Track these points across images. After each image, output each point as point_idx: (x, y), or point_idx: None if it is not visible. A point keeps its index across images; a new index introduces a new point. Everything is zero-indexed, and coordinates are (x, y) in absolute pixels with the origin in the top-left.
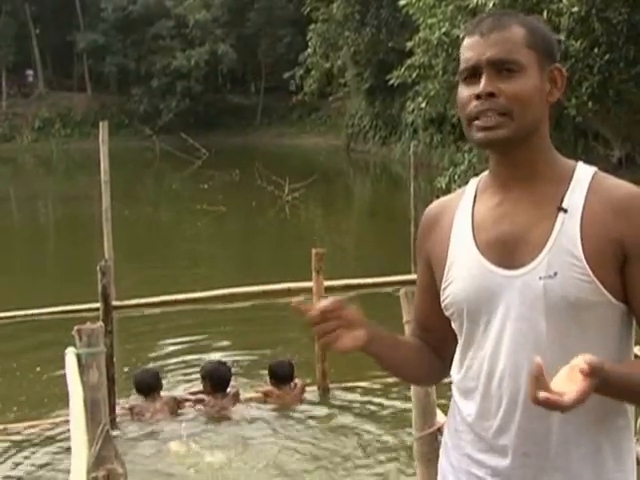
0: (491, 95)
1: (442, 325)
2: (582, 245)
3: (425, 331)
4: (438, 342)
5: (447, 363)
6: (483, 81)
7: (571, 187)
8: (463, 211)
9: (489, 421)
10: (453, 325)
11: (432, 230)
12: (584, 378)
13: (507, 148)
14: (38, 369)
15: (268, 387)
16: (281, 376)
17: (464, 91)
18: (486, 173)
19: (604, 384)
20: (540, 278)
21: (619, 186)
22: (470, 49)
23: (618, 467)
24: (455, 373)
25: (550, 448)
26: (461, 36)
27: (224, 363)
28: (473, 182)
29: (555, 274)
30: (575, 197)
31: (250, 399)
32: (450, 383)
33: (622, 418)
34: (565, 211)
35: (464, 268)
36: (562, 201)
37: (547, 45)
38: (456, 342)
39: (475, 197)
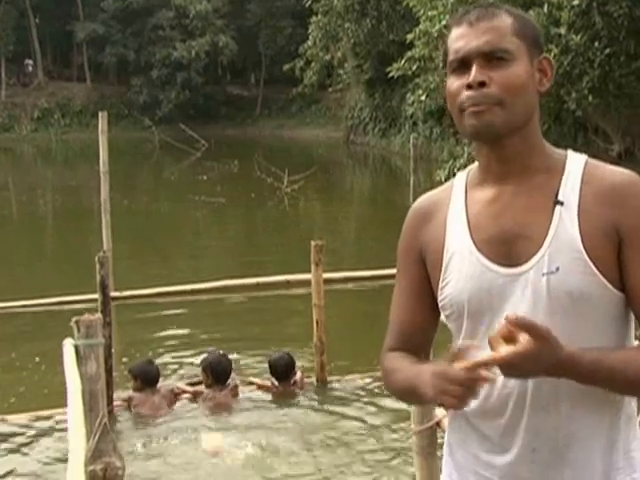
0: (482, 84)
1: (426, 330)
2: (581, 237)
3: (408, 337)
4: (417, 347)
5: None
6: (474, 70)
7: (564, 178)
8: (456, 208)
9: (496, 420)
10: (450, 324)
11: (424, 226)
12: (523, 339)
13: (498, 139)
14: (37, 359)
15: (266, 382)
16: (281, 371)
17: (454, 82)
18: (474, 166)
19: (570, 364)
20: (543, 274)
21: (611, 173)
22: (459, 39)
23: (626, 455)
24: None
25: (558, 443)
26: (448, 27)
27: (225, 355)
28: (461, 176)
29: (557, 269)
30: (569, 189)
31: (248, 391)
32: None
33: (629, 406)
34: (562, 204)
35: (462, 267)
36: (557, 194)
37: (534, 35)
38: (429, 346)
39: (466, 193)
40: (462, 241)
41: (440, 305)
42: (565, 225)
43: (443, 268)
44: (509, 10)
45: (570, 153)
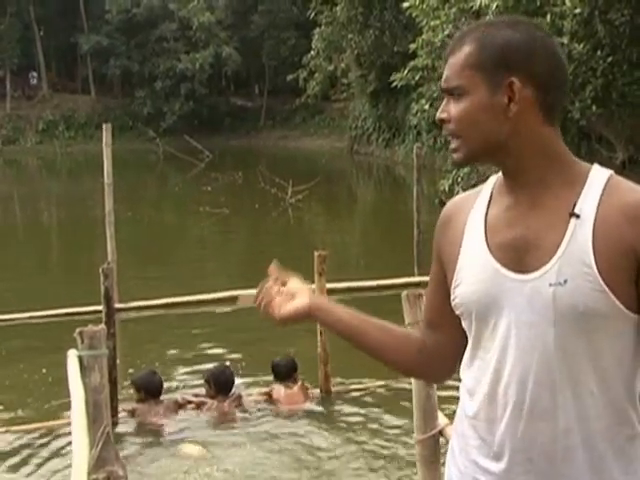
0: (442, 121)
1: (448, 325)
2: (594, 253)
3: (431, 328)
4: (440, 343)
5: (449, 364)
6: (441, 107)
7: (584, 192)
8: (477, 212)
9: (494, 425)
10: (463, 324)
11: (446, 228)
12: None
13: (488, 161)
14: (44, 371)
15: (271, 386)
16: (283, 371)
17: None
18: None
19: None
20: (550, 285)
21: (634, 191)
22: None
23: (622, 477)
24: (464, 371)
25: (555, 454)
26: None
27: (228, 367)
28: (491, 181)
29: (565, 281)
30: (588, 202)
31: (252, 402)
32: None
33: (630, 428)
34: (577, 217)
35: (475, 270)
36: (574, 206)
37: (498, 60)
38: (461, 346)
39: (491, 197)
40: (477, 244)
41: (453, 304)
42: (578, 239)
43: (457, 268)
44: (478, 34)
45: (595, 167)
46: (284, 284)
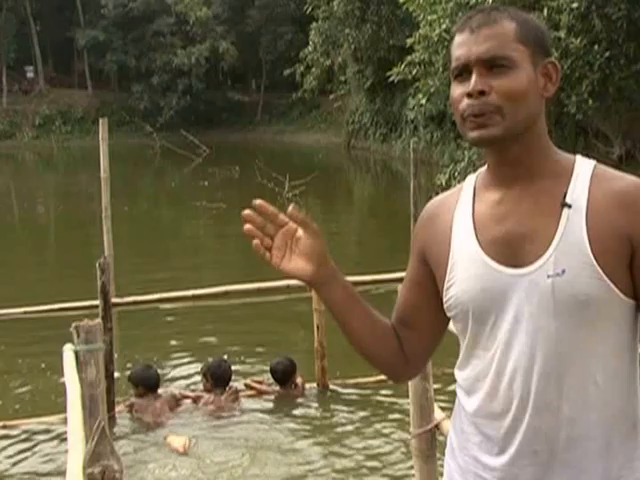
0: (482, 93)
1: (419, 322)
2: (589, 241)
3: (401, 325)
4: (410, 340)
5: (412, 365)
6: (473, 79)
7: (572, 182)
8: (463, 209)
9: (499, 421)
10: (456, 326)
11: (430, 228)
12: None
13: (501, 146)
14: (43, 365)
15: (266, 387)
16: (281, 375)
17: (456, 89)
18: (484, 169)
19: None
20: (548, 276)
21: (620, 178)
22: (460, 47)
23: (629, 464)
24: (459, 372)
25: (559, 445)
26: (452, 32)
27: (225, 360)
28: (471, 179)
29: (563, 271)
30: (578, 192)
31: (249, 396)
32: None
33: (634, 415)
34: (569, 206)
35: (468, 268)
36: (565, 196)
37: (539, 39)
38: (428, 347)
39: (474, 194)
40: (467, 242)
41: (445, 306)
42: (573, 228)
43: (448, 269)
44: (512, 14)
45: (579, 157)
46: (302, 224)
